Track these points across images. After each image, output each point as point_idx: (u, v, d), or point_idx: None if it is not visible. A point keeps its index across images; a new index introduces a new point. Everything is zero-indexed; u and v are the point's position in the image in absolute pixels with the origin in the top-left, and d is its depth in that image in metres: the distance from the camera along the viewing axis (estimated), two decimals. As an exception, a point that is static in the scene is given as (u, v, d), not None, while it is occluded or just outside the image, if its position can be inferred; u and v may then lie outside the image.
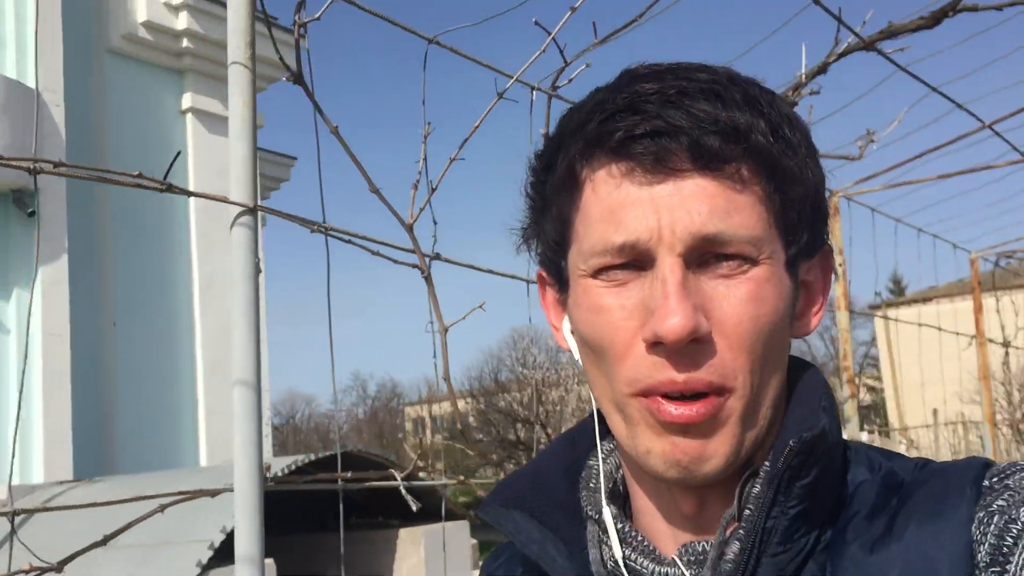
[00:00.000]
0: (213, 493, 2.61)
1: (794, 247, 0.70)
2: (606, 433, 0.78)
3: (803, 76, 3.63)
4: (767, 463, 0.69)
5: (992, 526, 0.63)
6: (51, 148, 9.26)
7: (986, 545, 0.63)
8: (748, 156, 0.66)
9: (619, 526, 0.74)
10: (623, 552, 0.72)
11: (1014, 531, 0.62)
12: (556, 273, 0.76)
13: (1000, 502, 0.64)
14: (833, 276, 0.78)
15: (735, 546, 0.67)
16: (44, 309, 9.03)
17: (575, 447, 0.82)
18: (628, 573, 0.72)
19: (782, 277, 0.68)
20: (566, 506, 0.77)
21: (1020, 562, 0.61)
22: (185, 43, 10.91)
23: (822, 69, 3.64)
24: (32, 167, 1.80)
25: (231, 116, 2.00)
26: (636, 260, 0.67)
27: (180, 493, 2.32)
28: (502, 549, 0.87)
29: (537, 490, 0.79)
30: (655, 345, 0.65)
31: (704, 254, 0.66)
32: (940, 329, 7.92)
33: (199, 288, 10.89)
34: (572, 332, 0.75)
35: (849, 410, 4.79)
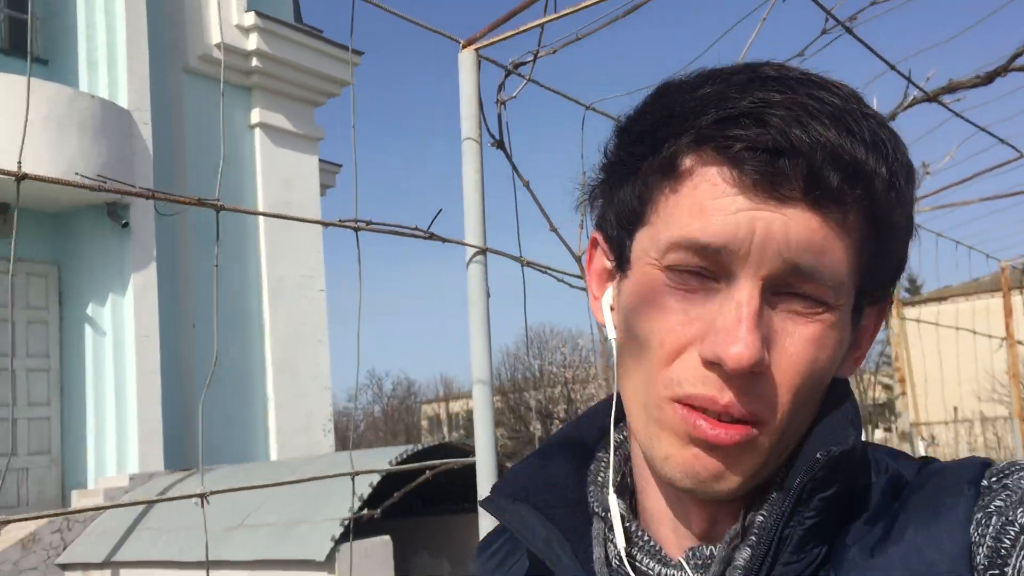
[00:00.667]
0: (367, 472, 3.38)
1: (866, 297, 0.67)
2: (616, 421, 0.77)
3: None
4: (782, 473, 0.68)
5: (990, 527, 0.62)
6: (140, 164, 10.06)
7: (984, 547, 0.62)
8: (860, 200, 0.62)
9: (626, 525, 0.72)
10: (628, 550, 0.71)
11: (1011, 533, 0.61)
12: (617, 244, 0.72)
13: (998, 503, 0.63)
14: (884, 323, 0.78)
15: (746, 552, 0.66)
16: (136, 313, 9.83)
17: (584, 437, 0.80)
18: (633, 572, 0.71)
19: (846, 324, 0.66)
20: (572, 502, 0.76)
21: (1018, 565, 0.60)
22: (254, 62, 11.67)
23: (891, 117, 4.42)
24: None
25: (465, 180, 2.76)
26: (713, 268, 0.64)
27: (339, 475, 2.85)
28: (494, 537, 0.85)
29: (544, 483, 0.77)
30: (711, 364, 0.63)
31: (785, 286, 0.63)
32: (974, 332, 8.61)
33: (268, 293, 11.68)
34: (612, 308, 0.73)
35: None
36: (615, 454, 0.76)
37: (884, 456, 0.72)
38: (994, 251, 8.26)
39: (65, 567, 7.28)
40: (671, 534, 0.72)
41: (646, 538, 0.71)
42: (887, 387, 36.67)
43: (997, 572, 0.61)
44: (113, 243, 9.95)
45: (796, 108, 0.62)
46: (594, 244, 0.76)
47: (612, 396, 0.77)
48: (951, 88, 4.40)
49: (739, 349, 0.61)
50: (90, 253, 10.02)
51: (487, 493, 0.78)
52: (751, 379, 0.63)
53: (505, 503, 0.76)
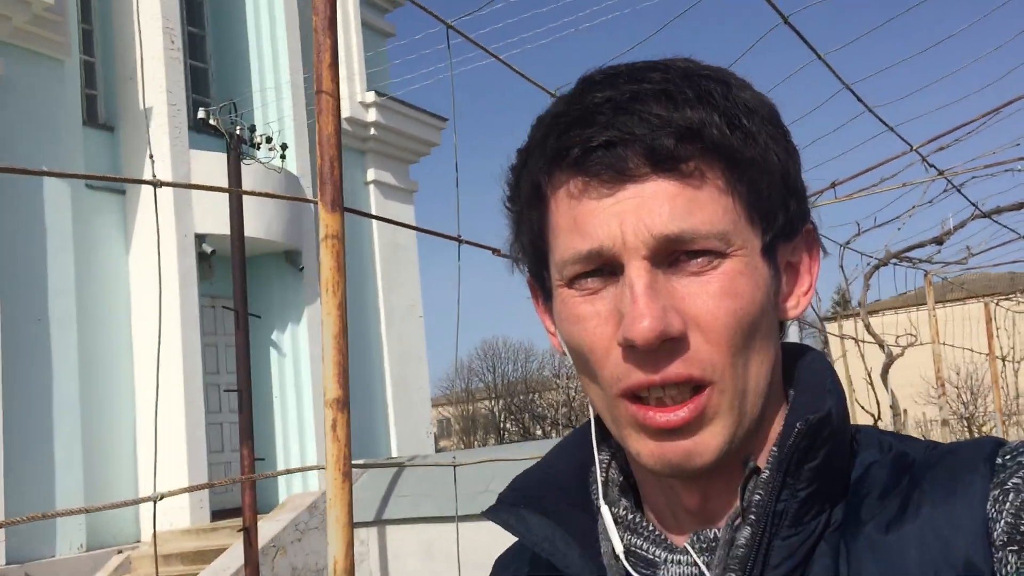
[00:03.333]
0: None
1: (769, 233, 0.70)
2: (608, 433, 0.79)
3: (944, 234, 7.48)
4: (774, 448, 0.70)
5: (1008, 504, 0.64)
6: (307, 219, 12.85)
7: (1002, 523, 0.63)
8: (705, 153, 0.67)
9: (630, 517, 0.75)
10: (634, 541, 0.74)
11: None
12: (541, 283, 0.77)
13: (1015, 480, 0.65)
14: (821, 253, 0.78)
15: (746, 531, 0.68)
16: (309, 339, 12.61)
17: (586, 442, 0.82)
18: (639, 562, 0.74)
19: (757, 266, 0.69)
20: (577, 500, 0.79)
21: None
22: (372, 131, 14.56)
23: (947, 235, 7.61)
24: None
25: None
26: (605, 267, 0.68)
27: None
28: (512, 552, 0.88)
29: (548, 487, 0.80)
30: (630, 348, 0.66)
31: (672, 254, 0.67)
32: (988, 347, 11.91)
33: (385, 320, 14.55)
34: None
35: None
36: (615, 456, 0.80)
37: (889, 437, 0.74)
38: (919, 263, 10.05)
39: (335, 527, 10.04)
40: (673, 521, 0.75)
41: (651, 528, 0.75)
42: None
43: (1016, 548, 0.62)
44: (291, 282, 12.72)
45: (619, 99, 0.67)
46: (533, 290, 0.81)
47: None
48: (999, 211, 7.63)
49: (642, 324, 0.64)
50: (272, 291, 12.76)
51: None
52: (673, 346, 0.66)
53: (509, 510, 0.78)
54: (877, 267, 6.70)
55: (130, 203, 11.55)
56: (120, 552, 10.37)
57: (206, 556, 9.92)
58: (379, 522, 9.85)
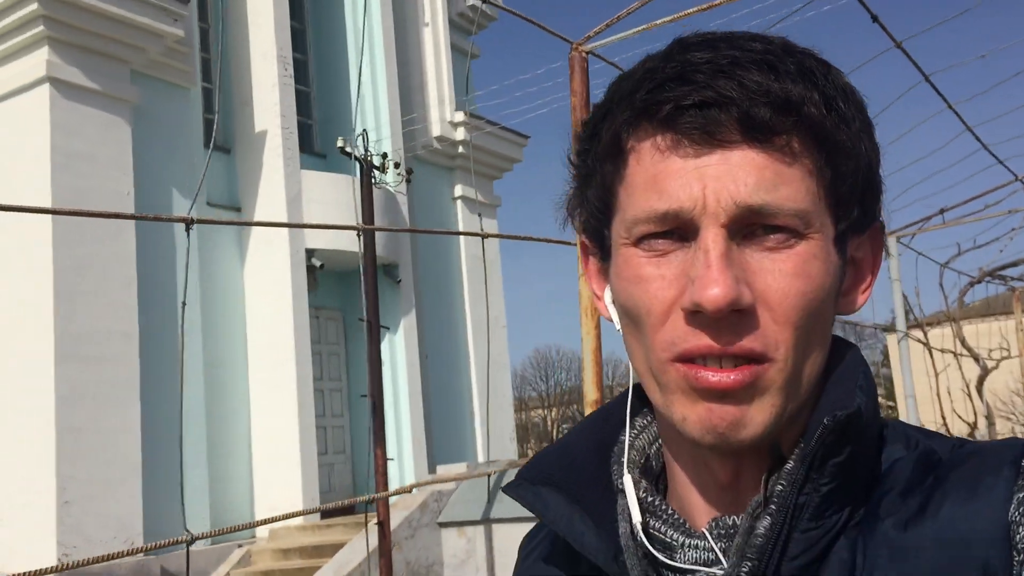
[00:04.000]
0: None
1: (844, 222, 0.69)
2: (639, 409, 0.80)
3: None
4: (802, 440, 0.70)
5: None
6: (404, 235, 13.58)
7: None
8: (799, 128, 0.66)
9: (649, 499, 0.74)
10: (653, 523, 0.73)
11: None
12: (599, 242, 0.76)
13: None
14: (884, 253, 0.76)
15: (766, 521, 0.68)
16: (406, 347, 13.36)
17: (607, 423, 0.82)
18: (655, 543, 0.72)
19: (830, 252, 0.68)
20: (597, 481, 0.78)
21: None
22: (460, 149, 15.30)
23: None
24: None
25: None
26: (679, 229, 0.67)
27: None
28: (537, 529, 0.88)
29: (566, 466, 0.79)
30: (694, 314, 0.65)
31: (750, 225, 0.66)
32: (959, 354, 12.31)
33: (472, 331, 15.27)
34: (613, 302, 0.75)
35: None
36: (639, 437, 0.79)
37: (916, 433, 0.73)
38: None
39: (442, 524, 10.70)
40: (698, 505, 0.74)
41: (670, 511, 0.73)
42: (882, 407, 40.61)
43: None
44: (388, 294, 13.47)
45: (719, 61, 0.65)
46: (584, 249, 0.80)
47: (631, 384, 0.80)
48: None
49: (714, 291, 0.63)
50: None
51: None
52: (739, 318, 0.65)
53: (527, 487, 0.79)
54: (971, 284, 7.23)
55: (245, 219, 12.38)
56: (240, 546, 11.17)
57: (323, 550, 10.68)
58: (485, 521, 10.54)
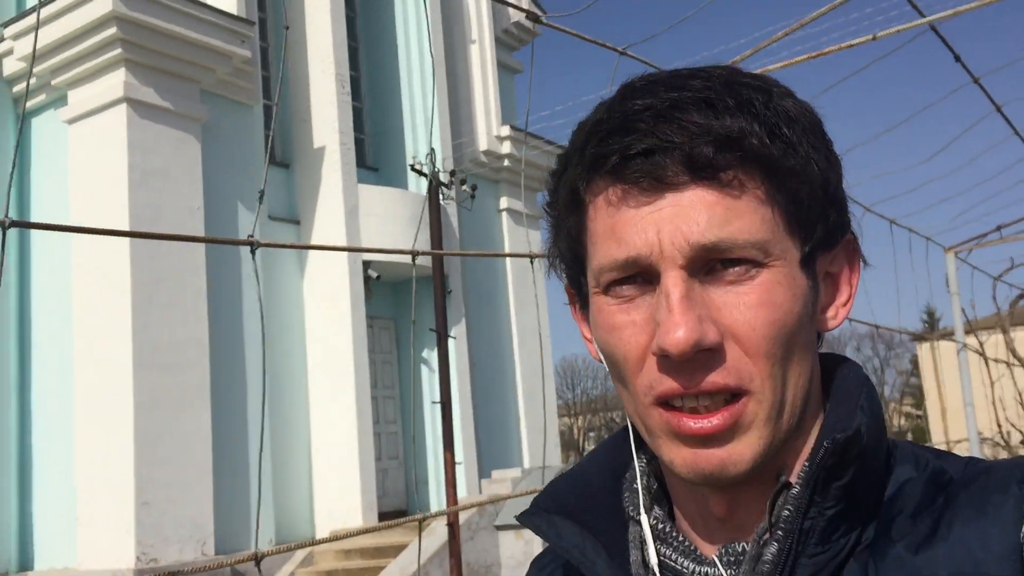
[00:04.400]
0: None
1: (808, 243, 0.70)
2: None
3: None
4: (806, 463, 0.69)
5: None
6: (449, 241, 14.02)
7: None
8: (745, 161, 0.67)
9: (660, 527, 0.75)
10: (664, 551, 0.74)
11: None
12: (578, 289, 0.78)
13: None
14: (861, 264, 0.76)
15: (773, 547, 0.68)
16: (456, 354, 13.77)
17: (620, 451, 0.83)
18: (667, 573, 0.73)
19: (795, 276, 0.69)
20: (609, 508, 0.79)
21: None
22: (505, 162, 15.73)
23: None
24: None
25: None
26: (642, 275, 0.69)
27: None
28: (549, 553, 0.89)
29: (581, 493, 0.80)
30: (664, 358, 0.66)
31: (708, 263, 0.67)
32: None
33: (517, 339, 15.67)
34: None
35: None
36: (651, 464, 0.80)
37: (926, 453, 0.73)
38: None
39: (500, 528, 11.09)
40: (704, 533, 0.74)
41: (680, 539, 0.74)
42: (910, 416, 40.26)
43: None
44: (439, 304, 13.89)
45: (659, 107, 0.67)
46: (570, 297, 0.82)
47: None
48: None
49: (676, 335, 0.64)
50: (424, 311, 13.96)
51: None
52: (709, 357, 0.66)
53: (541, 515, 0.80)
54: (1020, 297, 7.50)
55: (304, 232, 12.86)
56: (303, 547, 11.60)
57: (383, 551, 11.10)
58: (541, 524, 10.91)
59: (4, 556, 10.77)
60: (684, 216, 0.66)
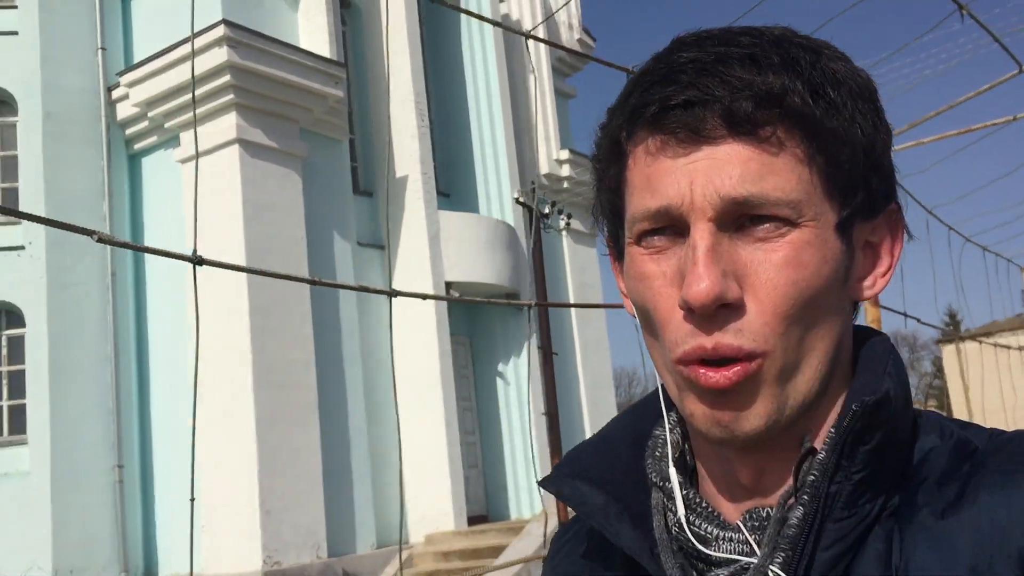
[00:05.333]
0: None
1: (847, 208, 0.69)
2: (673, 404, 0.80)
3: None
4: (832, 429, 0.69)
5: None
6: (523, 265, 14.95)
7: None
8: (784, 119, 0.66)
9: (684, 492, 0.75)
10: (687, 517, 0.74)
11: None
12: (616, 243, 0.79)
13: None
14: (904, 236, 0.75)
15: (799, 511, 0.68)
16: (529, 368, 14.69)
17: (642, 418, 0.84)
18: (692, 537, 0.73)
19: (827, 240, 0.68)
20: (632, 475, 0.79)
21: None
22: (565, 184, 16.68)
23: None
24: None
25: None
26: (673, 226, 0.69)
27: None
28: (571, 524, 0.89)
29: (602, 460, 0.81)
30: (688, 311, 0.67)
31: (739, 218, 0.67)
32: None
33: (580, 352, 16.59)
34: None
35: None
36: (673, 432, 0.80)
37: (951, 424, 0.73)
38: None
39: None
40: (728, 498, 0.75)
41: (704, 504, 0.74)
42: None
43: None
44: (512, 322, 14.86)
45: (704, 59, 0.67)
46: (609, 249, 0.82)
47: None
48: None
49: (700, 287, 0.64)
50: (497, 329, 14.92)
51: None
52: (729, 314, 0.66)
53: (566, 480, 0.80)
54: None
55: (389, 257, 13.82)
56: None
57: (480, 553, 12.02)
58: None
59: (133, 563, 11.74)
60: (718, 169, 0.66)
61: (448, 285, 13.78)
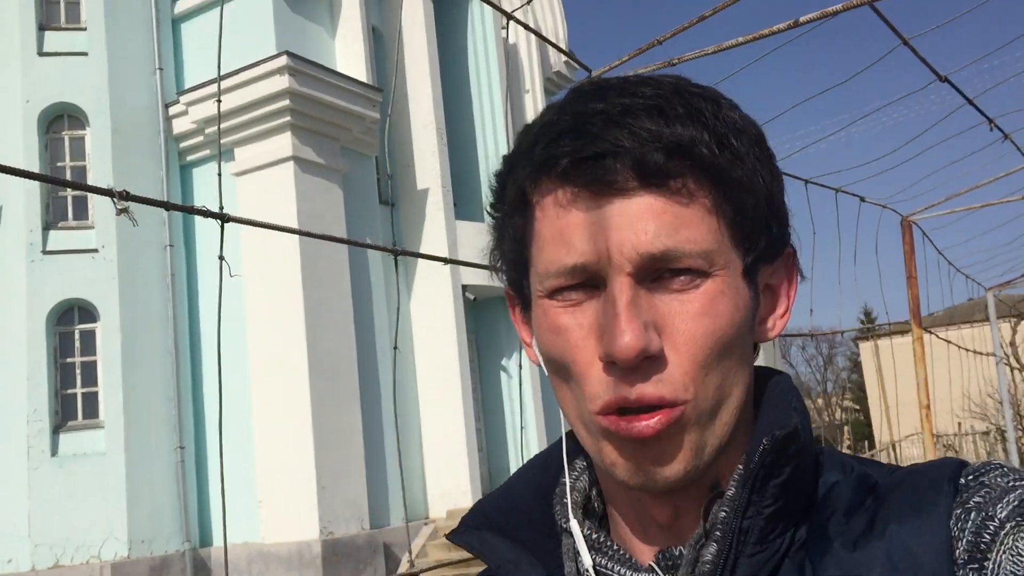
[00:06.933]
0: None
1: (751, 254, 0.72)
2: (578, 452, 0.82)
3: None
4: (740, 467, 0.72)
5: (969, 523, 0.66)
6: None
7: (963, 542, 0.65)
8: (693, 170, 0.68)
9: (594, 536, 0.76)
10: (599, 560, 0.75)
11: (991, 528, 0.65)
12: (519, 292, 0.79)
13: (976, 499, 0.67)
14: (799, 277, 0.79)
15: (712, 548, 0.70)
16: (530, 368, 16.50)
17: (547, 468, 0.84)
18: None
19: (738, 287, 0.70)
20: (539, 524, 0.80)
21: (998, 559, 0.64)
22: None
23: None
24: None
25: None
26: (589, 280, 0.69)
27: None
28: (483, 574, 0.88)
29: (509, 510, 0.82)
30: (610, 364, 0.68)
31: (656, 271, 0.68)
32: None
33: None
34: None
35: None
36: (579, 480, 0.81)
37: (850, 460, 0.76)
38: (977, 276, 9.96)
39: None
40: (642, 540, 0.76)
41: (615, 547, 0.75)
42: (848, 410, 42.70)
43: (976, 566, 0.64)
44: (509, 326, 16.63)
45: (611, 111, 0.68)
46: (510, 299, 0.82)
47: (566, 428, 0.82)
48: None
49: (623, 340, 0.65)
50: (501, 326, 16.69)
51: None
52: (650, 365, 0.67)
53: (473, 532, 0.81)
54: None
55: (410, 263, 15.49)
56: (426, 523, 14.24)
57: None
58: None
59: (192, 534, 13.19)
60: (633, 224, 0.67)
61: (465, 288, 15.49)
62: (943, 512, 0.67)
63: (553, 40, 19.89)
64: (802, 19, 3.32)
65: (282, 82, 12.72)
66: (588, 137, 0.68)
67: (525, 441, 16.44)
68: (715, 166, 0.69)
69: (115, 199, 2.13)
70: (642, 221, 0.67)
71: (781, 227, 0.75)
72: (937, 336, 9.48)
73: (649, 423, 0.68)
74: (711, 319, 0.68)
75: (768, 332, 0.76)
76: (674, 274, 0.68)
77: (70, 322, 13.03)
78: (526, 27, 3.49)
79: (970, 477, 0.70)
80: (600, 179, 0.67)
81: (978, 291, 10.05)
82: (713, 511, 0.71)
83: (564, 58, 20.14)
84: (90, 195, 13.18)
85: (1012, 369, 13.20)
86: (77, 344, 13.02)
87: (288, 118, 13.04)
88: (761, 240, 0.72)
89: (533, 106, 18.48)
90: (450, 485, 14.72)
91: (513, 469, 16.90)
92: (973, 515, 0.66)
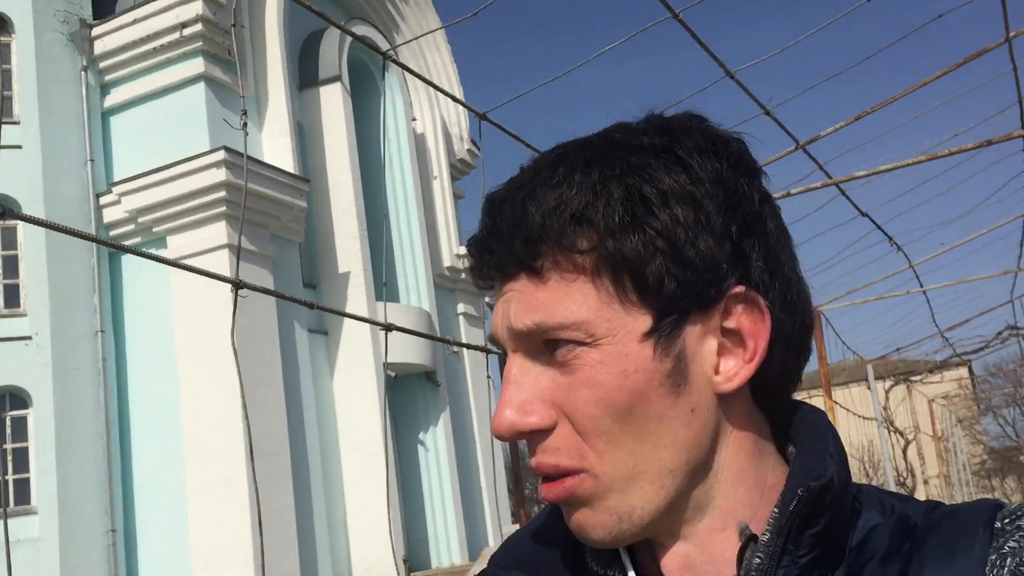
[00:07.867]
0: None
1: (656, 314, 0.69)
2: None
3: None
4: (775, 510, 0.70)
5: (1005, 569, 0.65)
6: (440, 346, 17.74)
7: None
8: (560, 249, 0.69)
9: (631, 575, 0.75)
10: None
11: None
12: None
13: (1012, 543, 0.67)
14: (768, 316, 0.71)
15: None
16: (446, 440, 17.40)
17: None
18: None
19: (628, 352, 0.68)
20: (569, 563, 0.79)
21: None
22: (462, 276, 19.69)
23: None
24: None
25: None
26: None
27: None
28: None
29: (538, 548, 0.81)
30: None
31: (538, 345, 0.70)
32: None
33: (476, 421, 19.40)
34: None
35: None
36: None
37: (890, 499, 0.74)
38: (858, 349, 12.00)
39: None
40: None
41: None
42: None
43: None
44: (430, 396, 17.53)
45: (506, 198, 0.71)
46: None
47: None
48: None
49: (498, 420, 0.69)
50: (416, 401, 17.53)
51: None
52: (544, 436, 0.69)
53: (501, 573, 0.80)
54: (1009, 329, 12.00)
55: (332, 341, 16.23)
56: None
57: None
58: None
59: None
60: (507, 303, 0.71)
61: (385, 365, 16.32)
62: (977, 558, 0.67)
63: (458, 133, 21.20)
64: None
65: (219, 174, 13.47)
66: (482, 226, 0.73)
67: (444, 511, 17.23)
68: (573, 247, 0.68)
69: (235, 289, 2.26)
70: (515, 300, 0.70)
71: (698, 275, 0.69)
72: (846, 409, 11.13)
73: (552, 489, 0.70)
74: (592, 388, 0.68)
75: (728, 382, 0.71)
76: (557, 346, 0.69)
77: (1, 408, 13.18)
78: (408, 70, 3.46)
79: (1006, 521, 0.69)
80: (496, 268, 0.72)
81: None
82: (747, 557, 0.69)
83: (468, 145, 21.49)
84: (22, 283, 13.48)
85: (890, 431, 15.04)
86: (8, 430, 13.14)
87: (224, 208, 13.74)
88: (671, 296, 0.68)
89: (440, 191, 19.69)
90: (374, 558, 15.33)
91: (432, 541, 17.78)
92: (1008, 560, 0.66)
